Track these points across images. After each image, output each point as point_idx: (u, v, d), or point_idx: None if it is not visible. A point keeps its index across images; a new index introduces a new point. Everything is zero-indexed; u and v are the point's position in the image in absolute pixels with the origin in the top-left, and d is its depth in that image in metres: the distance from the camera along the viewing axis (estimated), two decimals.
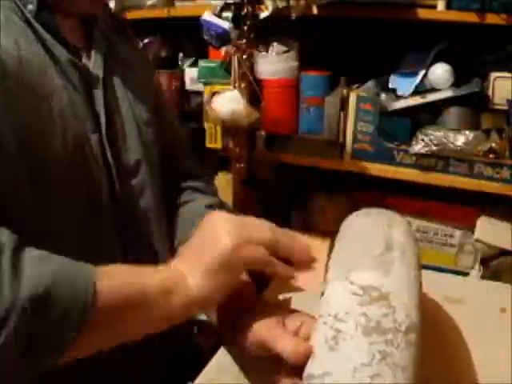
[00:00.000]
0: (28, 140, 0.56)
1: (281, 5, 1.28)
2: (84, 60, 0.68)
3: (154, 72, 0.93)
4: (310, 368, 0.51)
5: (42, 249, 0.50)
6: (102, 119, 0.66)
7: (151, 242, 0.74)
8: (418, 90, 1.26)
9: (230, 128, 1.46)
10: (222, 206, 0.86)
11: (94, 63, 0.68)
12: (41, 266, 0.47)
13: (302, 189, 1.55)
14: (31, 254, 0.48)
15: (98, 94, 0.67)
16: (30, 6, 0.61)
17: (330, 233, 0.69)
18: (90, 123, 0.65)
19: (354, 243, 0.64)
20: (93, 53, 0.69)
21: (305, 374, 0.51)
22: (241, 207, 1.52)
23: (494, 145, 1.21)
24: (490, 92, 1.19)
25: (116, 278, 0.51)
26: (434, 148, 1.24)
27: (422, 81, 1.26)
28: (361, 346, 0.49)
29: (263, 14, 1.31)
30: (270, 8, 1.29)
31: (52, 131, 0.59)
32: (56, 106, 0.60)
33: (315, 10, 1.28)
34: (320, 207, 1.51)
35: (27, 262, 0.47)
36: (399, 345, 0.49)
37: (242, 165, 1.49)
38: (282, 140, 1.44)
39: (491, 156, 1.22)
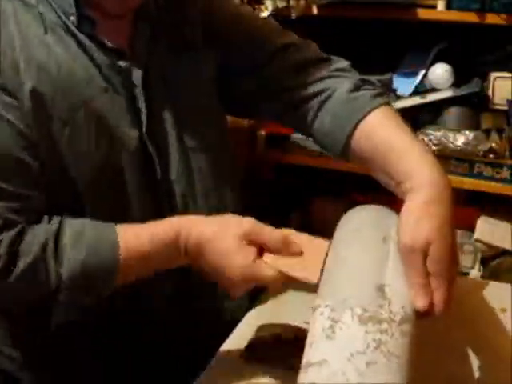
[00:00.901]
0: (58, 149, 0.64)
1: (281, 5, 1.28)
2: (123, 63, 0.68)
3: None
4: (308, 356, 0.52)
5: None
6: (143, 116, 0.68)
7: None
8: (418, 90, 1.27)
9: (229, 128, 1.45)
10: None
11: (135, 63, 0.69)
12: (76, 247, 0.61)
13: (301, 189, 1.54)
14: (68, 234, 0.61)
15: (139, 93, 0.68)
16: (72, 18, 0.64)
17: (329, 233, 0.69)
18: (131, 121, 0.68)
19: (352, 236, 0.65)
20: (135, 51, 0.70)
21: (303, 363, 0.53)
22: (241, 207, 1.52)
23: (494, 145, 1.21)
24: (490, 92, 1.20)
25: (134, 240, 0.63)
26: (434, 148, 1.24)
27: (422, 81, 1.26)
28: (356, 335, 0.50)
29: (263, 14, 1.31)
30: (270, 8, 1.29)
31: (85, 136, 0.65)
32: (94, 110, 0.65)
33: (315, 10, 1.28)
34: (320, 207, 1.51)
35: (65, 247, 0.61)
36: (393, 334, 0.51)
37: (242, 165, 1.49)
38: (282, 140, 1.44)
39: (491, 156, 1.22)
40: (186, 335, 0.77)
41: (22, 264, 0.59)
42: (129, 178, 0.68)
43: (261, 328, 0.77)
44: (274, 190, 1.61)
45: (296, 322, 0.76)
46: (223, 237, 0.62)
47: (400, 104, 1.28)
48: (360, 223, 0.68)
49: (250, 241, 0.62)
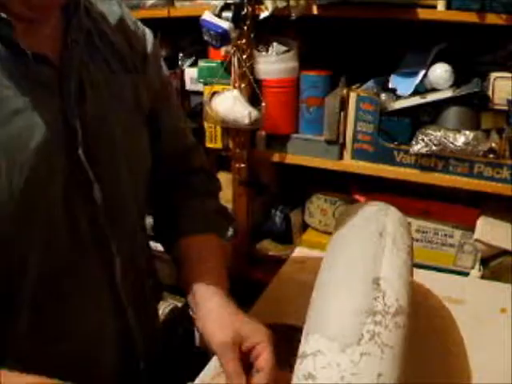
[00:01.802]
0: None
1: (281, 5, 1.28)
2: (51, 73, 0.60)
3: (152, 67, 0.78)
4: (304, 347, 0.54)
5: None
6: (79, 134, 0.62)
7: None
8: (418, 90, 1.27)
9: (229, 128, 1.46)
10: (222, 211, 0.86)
11: (67, 73, 0.62)
12: None
13: (301, 189, 1.55)
14: None
15: (71, 108, 0.62)
16: None
17: (329, 233, 0.70)
18: (64, 135, 0.61)
19: (349, 231, 0.65)
20: (66, 60, 0.62)
21: (298, 353, 0.55)
22: (241, 207, 1.52)
23: (494, 145, 1.21)
24: (490, 92, 1.19)
25: None
26: (434, 148, 1.24)
27: (421, 81, 1.26)
28: (351, 327, 0.52)
29: (263, 14, 1.31)
30: (270, 8, 1.29)
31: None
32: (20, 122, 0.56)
33: (315, 10, 1.27)
34: (320, 207, 1.51)
35: None
36: (387, 326, 0.52)
37: (242, 165, 1.49)
38: (282, 140, 1.44)
39: (491, 156, 1.22)
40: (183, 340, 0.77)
41: None
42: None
43: None
44: (273, 189, 1.61)
45: (296, 322, 0.77)
46: None
47: (400, 104, 1.28)
48: (357, 219, 0.69)
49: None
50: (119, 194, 0.69)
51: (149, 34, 0.78)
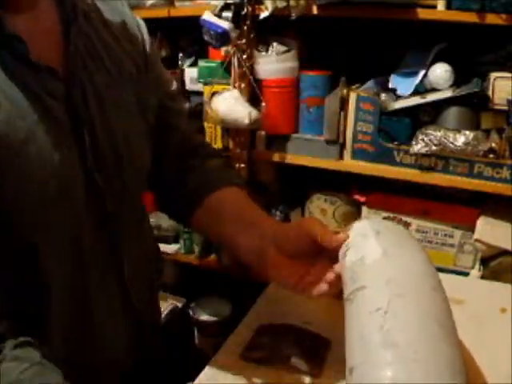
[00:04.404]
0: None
1: (281, 5, 1.28)
2: (59, 84, 0.61)
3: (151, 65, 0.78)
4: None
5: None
6: (87, 144, 0.63)
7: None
8: (418, 90, 1.27)
9: (230, 128, 1.46)
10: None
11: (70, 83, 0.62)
12: None
13: (301, 189, 1.55)
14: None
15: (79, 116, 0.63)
16: None
17: None
18: (74, 146, 0.62)
19: None
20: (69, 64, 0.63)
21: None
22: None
23: (494, 145, 1.21)
24: (489, 92, 1.19)
25: None
26: (434, 148, 1.24)
27: (421, 81, 1.26)
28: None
29: (263, 14, 1.31)
30: (270, 8, 1.29)
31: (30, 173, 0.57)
32: (33, 146, 0.57)
33: (315, 10, 1.27)
34: (320, 207, 1.51)
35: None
36: None
37: (242, 165, 1.49)
38: (282, 140, 1.44)
39: (491, 156, 1.22)
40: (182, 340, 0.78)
41: None
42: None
43: (261, 328, 0.76)
44: (273, 189, 1.61)
45: (296, 321, 0.76)
46: None
47: (400, 104, 1.28)
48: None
49: None
50: (126, 194, 0.70)
51: (144, 28, 0.77)
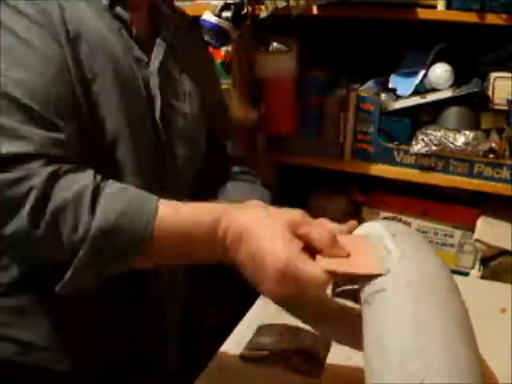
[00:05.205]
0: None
1: (281, 5, 1.28)
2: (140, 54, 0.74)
3: (213, 68, 1.05)
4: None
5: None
6: (157, 103, 0.74)
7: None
8: (418, 90, 1.27)
9: None
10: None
11: (154, 55, 0.75)
12: (113, 202, 0.57)
13: (301, 189, 1.54)
14: (109, 190, 0.58)
15: (154, 82, 0.74)
16: (104, 1, 0.69)
17: None
18: (145, 107, 0.72)
19: None
20: (156, 45, 0.76)
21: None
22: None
23: (493, 145, 1.21)
24: (489, 92, 1.19)
25: (172, 217, 0.59)
26: (434, 148, 1.24)
27: (421, 81, 1.26)
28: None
29: (263, 14, 1.31)
30: (270, 8, 1.29)
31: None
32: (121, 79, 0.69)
33: (315, 10, 1.27)
34: (320, 207, 1.51)
35: (104, 198, 0.57)
36: None
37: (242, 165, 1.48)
38: (282, 140, 1.44)
39: (491, 156, 1.22)
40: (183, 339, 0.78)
41: (51, 207, 0.55)
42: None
43: (261, 328, 0.77)
44: (274, 189, 1.60)
45: (296, 322, 0.77)
46: (268, 224, 0.56)
47: (400, 104, 1.28)
48: None
49: (297, 234, 0.56)
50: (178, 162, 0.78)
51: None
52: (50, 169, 0.56)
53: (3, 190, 0.54)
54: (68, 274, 0.56)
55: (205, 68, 0.90)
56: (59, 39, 0.63)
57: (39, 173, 0.55)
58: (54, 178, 0.56)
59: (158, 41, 0.76)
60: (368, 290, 0.55)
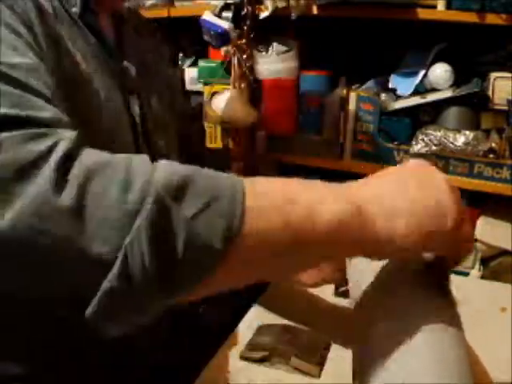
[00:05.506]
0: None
1: (281, 5, 1.28)
2: (119, 63, 0.70)
3: (172, 69, 1.00)
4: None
5: None
6: (137, 119, 0.71)
7: None
8: (418, 90, 1.27)
9: (229, 128, 1.46)
10: None
11: (128, 64, 0.71)
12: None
13: None
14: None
15: (133, 98, 0.70)
16: (74, 9, 0.63)
17: None
18: (127, 123, 0.69)
19: None
20: (126, 54, 0.72)
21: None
22: None
23: (493, 145, 1.21)
24: (489, 92, 1.19)
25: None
26: (434, 148, 1.24)
27: (421, 81, 1.26)
28: None
29: (263, 14, 1.31)
30: (270, 8, 1.29)
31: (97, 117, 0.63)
32: (100, 101, 0.63)
33: (315, 10, 1.27)
34: None
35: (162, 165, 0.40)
36: None
37: (242, 165, 1.49)
38: (282, 140, 1.44)
39: (491, 156, 1.22)
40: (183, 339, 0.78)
41: (83, 165, 0.38)
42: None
43: (261, 328, 0.77)
44: None
45: (296, 321, 0.77)
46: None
47: (400, 104, 1.28)
48: None
49: None
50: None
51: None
52: (72, 133, 0.42)
53: (17, 147, 0.38)
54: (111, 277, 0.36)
55: (163, 72, 0.86)
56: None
57: (60, 133, 0.41)
58: (78, 144, 0.41)
59: (127, 50, 0.72)
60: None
